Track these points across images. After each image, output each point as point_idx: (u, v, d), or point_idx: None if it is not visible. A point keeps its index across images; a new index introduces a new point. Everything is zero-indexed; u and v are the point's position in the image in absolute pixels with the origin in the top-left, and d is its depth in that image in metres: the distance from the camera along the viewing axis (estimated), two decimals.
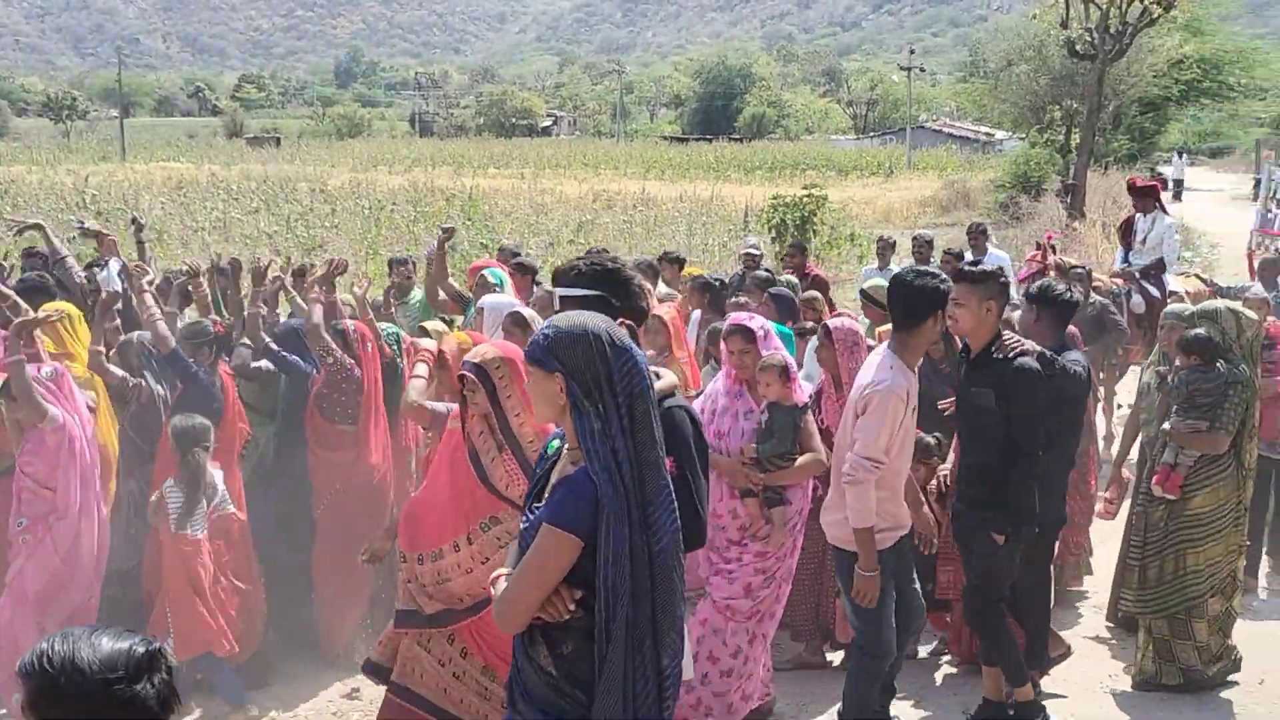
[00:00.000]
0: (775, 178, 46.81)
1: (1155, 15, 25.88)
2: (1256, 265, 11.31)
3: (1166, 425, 6.10)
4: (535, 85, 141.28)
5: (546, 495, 3.07)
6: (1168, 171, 44.12)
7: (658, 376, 3.82)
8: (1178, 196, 39.85)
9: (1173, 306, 7.00)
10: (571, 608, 2.94)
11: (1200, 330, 6.03)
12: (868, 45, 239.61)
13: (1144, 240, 10.89)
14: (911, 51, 75.68)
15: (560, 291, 3.94)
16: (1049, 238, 10.05)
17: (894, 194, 40.03)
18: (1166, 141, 53.64)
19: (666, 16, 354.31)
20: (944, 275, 5.09)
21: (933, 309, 4.92)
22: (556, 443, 3.24)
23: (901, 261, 12.75)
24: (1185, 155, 45.09)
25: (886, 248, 11.91)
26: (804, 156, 58.87)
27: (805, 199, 21.32)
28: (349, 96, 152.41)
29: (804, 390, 5.52)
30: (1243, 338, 6.08)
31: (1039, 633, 5.88)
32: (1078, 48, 26.85)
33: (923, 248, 11.21)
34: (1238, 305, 6.58)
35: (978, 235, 11.54)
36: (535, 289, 8.15)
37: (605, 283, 3.73)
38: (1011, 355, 5.16)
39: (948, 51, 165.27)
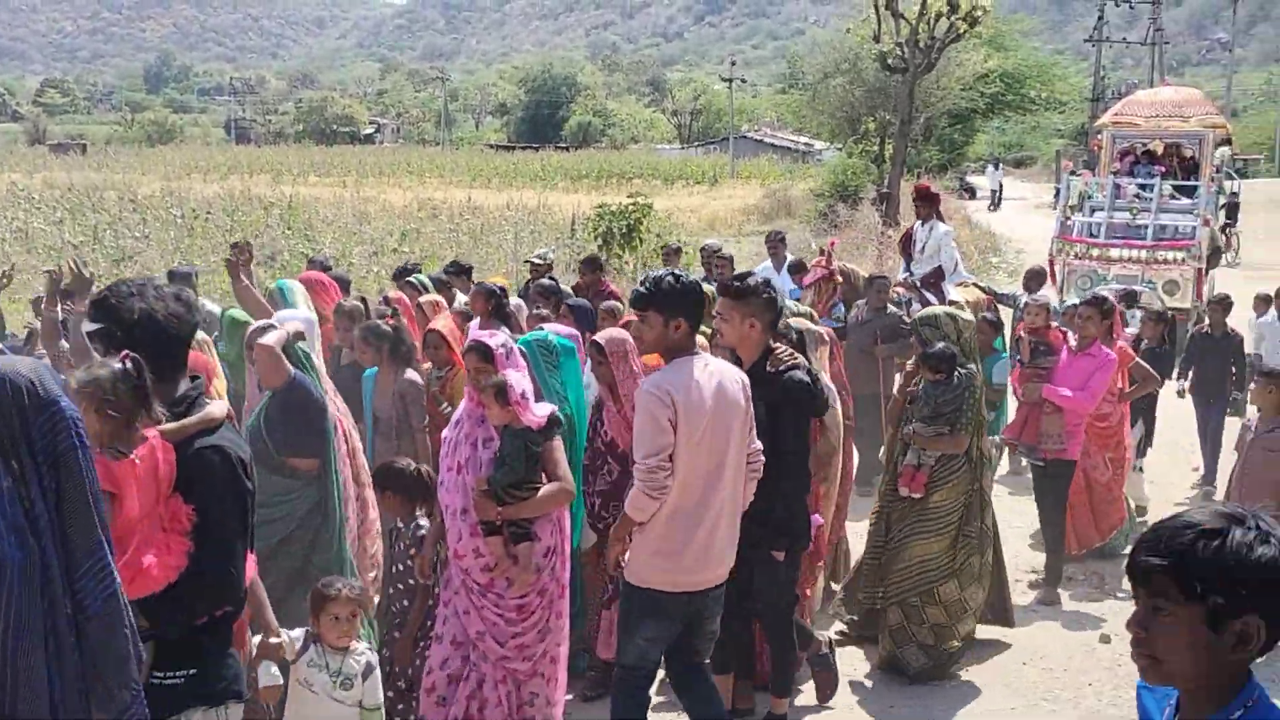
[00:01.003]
0: (602, 186, 47.03)
1: (961, 31, 27.07)
2: (1023, 274, 11.75)
3: (909, 429, 6.36)
4: (357, 92, 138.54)
5: None
6: (982, 181, 45.84)
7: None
8: (996, 205, 41.28)
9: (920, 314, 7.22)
10: None
11: (941, 345, 6.28)
12: (690, 56, 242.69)
13: (923, 249, 11.05)
14: (733, 63, 77.01)
15: (85, 328, 3.68)
16: (831, 244, 10.26)
17: (718, 202, 40.65)
18: (974, 152, 55.93)
19: (490, 24, 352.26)
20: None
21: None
22: None
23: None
24: (1000, 166, 46.89)
25: (671, 254, 12.02)
26: (630, 165, 59.26)
27: (631, 208, 21.48)
28: (160, 102, 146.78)
29: (540, 413, 4.96)
30: (962, 339, 6.40)
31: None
32: (889, 61, 27.83)
33: (710, 258, 11.10)
34: (954, 309, 6.87)
35: (776, 244, 11.54)
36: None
37: (103, 314, 3.43)
38: (784, 369, 5.27)
39: (767, 63, 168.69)
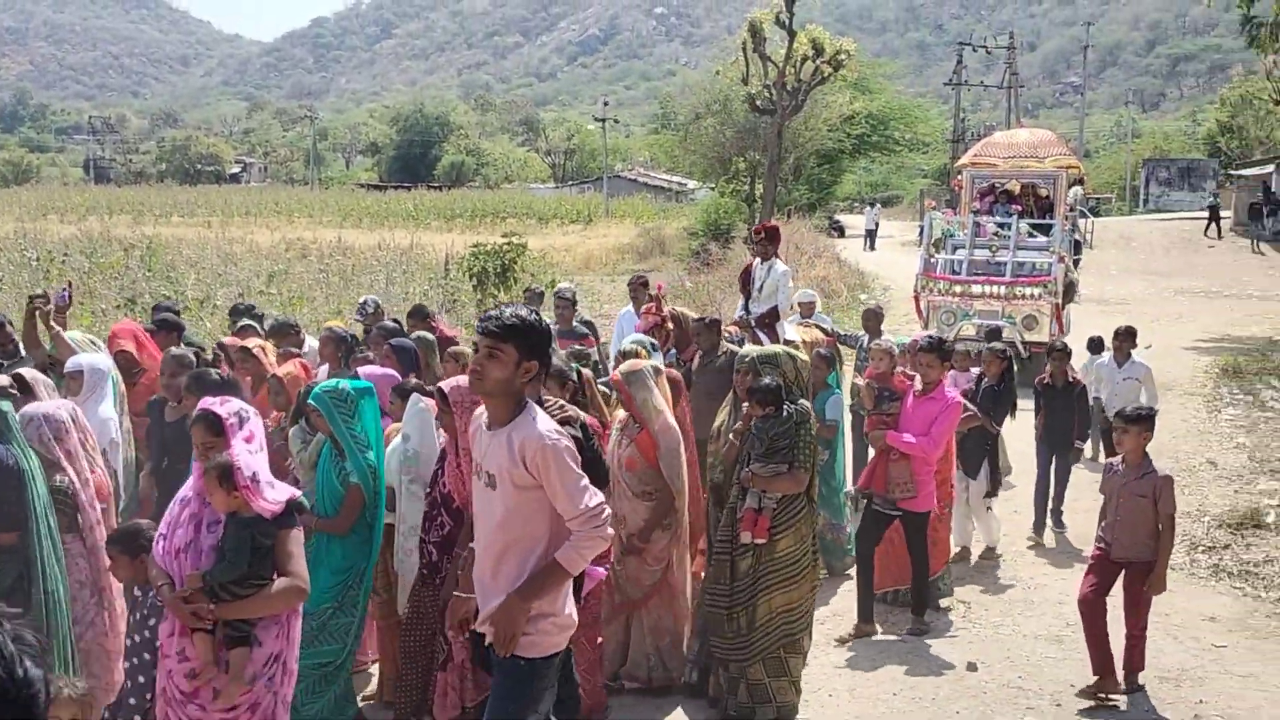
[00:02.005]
0: (476, 225, 46.88)
1: (826, 74, 27.79)
2: (861, 314, 11.71)
3: (746, 471, 6.21)
4: (222, 130, 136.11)
5: None
6: (856, 221, 46.57)
7: None
8: (872, 245, 41.82)
9: (745, 349, 7.16)
10: None
11: (766, 380, 6.22)
12: (564, 96, 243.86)
13: (760, 288, 10.94)
14: (605, 103, 77.64)
15: None
16: (659, 289, 10.13)
17: (593, 241, 40.86)
18: (843, 191, 57.21)
19: (360, 63, 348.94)
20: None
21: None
22: None
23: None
24: (876, 205, 47.60)
25: (535, 297, 12.01)
26: (504, 204, 59.26)
27: (505, 247, 21.42)
28: (15, 141, 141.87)
29: (275, 498, 4.34)
30: (800, 377, 6.42)
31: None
32: (758, 103, 28.39)
33: (563, 305, 10.80)
34: (792, 349, 6.89)
35: (638, 288, 11.20)
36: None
37: None
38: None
39: (640, 104, 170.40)
